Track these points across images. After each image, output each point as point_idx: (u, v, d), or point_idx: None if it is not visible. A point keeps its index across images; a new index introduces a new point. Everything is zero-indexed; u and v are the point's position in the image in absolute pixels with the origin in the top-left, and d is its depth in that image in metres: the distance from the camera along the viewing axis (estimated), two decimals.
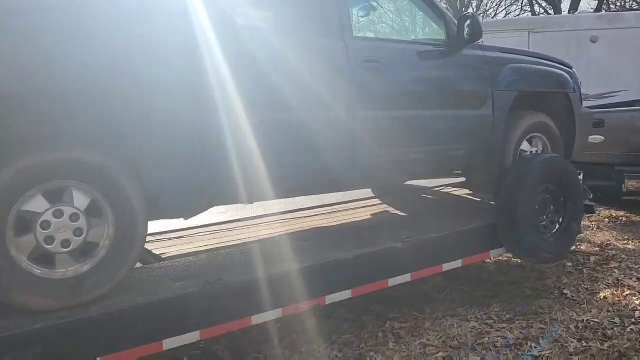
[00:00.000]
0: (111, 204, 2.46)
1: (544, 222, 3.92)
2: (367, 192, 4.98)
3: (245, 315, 2.74)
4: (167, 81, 2.48)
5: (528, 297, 4.04)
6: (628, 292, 4.01)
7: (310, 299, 2.98)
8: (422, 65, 3.48)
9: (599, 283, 4.26)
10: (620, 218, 6.47)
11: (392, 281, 3.32)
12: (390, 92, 3.27)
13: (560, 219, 3.99)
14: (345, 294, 3.12)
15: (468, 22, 3.50)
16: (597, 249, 5.25)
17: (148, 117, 2.45)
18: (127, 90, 2.39)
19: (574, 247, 5.07)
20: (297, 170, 2.98)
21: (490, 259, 4.37)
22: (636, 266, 4.64)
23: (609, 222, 6.33)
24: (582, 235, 5.70)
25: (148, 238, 3.60)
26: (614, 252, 5.10)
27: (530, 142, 4.23)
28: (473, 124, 3.72)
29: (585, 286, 4.22)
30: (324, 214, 4.33)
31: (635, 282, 4.27)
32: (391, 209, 4.48)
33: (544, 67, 4.19)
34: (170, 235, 3.67)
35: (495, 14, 22.68)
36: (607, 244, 5.41)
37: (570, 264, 4.78)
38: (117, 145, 2.46)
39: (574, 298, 4.00)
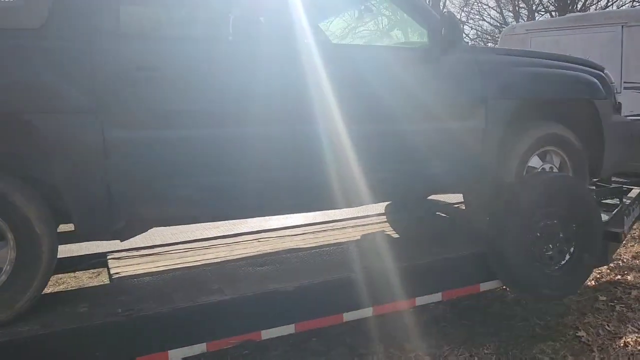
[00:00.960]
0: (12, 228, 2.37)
1: (550, 253, 3.35)
2: (370, 208, 4.59)
3: (156, 351, 2.53)
4: None
5: (534, 337, 3.48)
6: None
7: (243, 334, 2.72)
8: (390, 73, 3.08)
9: (628, 325, 3.59)
10: None
11: (349, 316, 2.96)
12: (342, 105, 2.91)
13: (572, 249, 3.39)
14: (287, 329, 2.82)
15: (446, 22, 3.06)
16: None
17: None
18: None
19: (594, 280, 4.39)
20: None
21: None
22: None
23: None
24: (636, 262, 4.93)
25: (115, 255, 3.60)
26: None
27: (543, 158, 3.65)
28: (457, 138, 3.25)
29: (610, 328, 3.57)
30: (309, 233, 4.03)
31: None
32: (388, 230, 4.08)
33: (558, 71, 3.60)
34: (133, 254, 3.56)
35: None
36: None
37: (604, 298, 4.11)
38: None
39: (588, 342, 3.39)
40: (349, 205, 3.25)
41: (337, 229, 4.14)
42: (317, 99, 2.82)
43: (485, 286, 3.35)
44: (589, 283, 4.50)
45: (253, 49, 2.79)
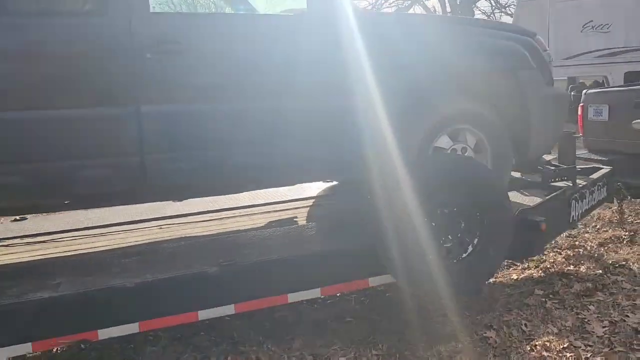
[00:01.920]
0: None
1: (449, 245, 2.98)
2: (306, 191, 4.28)
3: None
4: None
5: (440, 336, 3.14)
6: (569, 344, 2.93)
7: (75, 334, 2.51)
8: (251, 45, 2.74)
9: (549, 325, 3.19)
10: None
11: (205, 314, 2.71)
12: (190, 82, 2.61)
13: (475, 241, 3.01)
14: (130, 329, 2.60)
15: None
16: (599, 271, 4.02)
17: None
18: None
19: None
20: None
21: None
22: (627, 303, 3.43)
23: None
24: (600, 251, 4.46)
25: None
26: (619, 278, 3.86)
27: (455, 137, 3.25)
28: (333, 118, 2.90)
29: (527, 328, 3.18)
30: (216, 219, 3.77)
31: (603, 328, 3.13)
32: (299, 217, 3.77)
33: (471, 38, 3.17)
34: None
35: None
36: (621, 264, 4.13)
37: (540, 292, 3.70)
38: None
39: (494, 344, 3.03)
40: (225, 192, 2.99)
41: (248, 214, 3.87)
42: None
43: (375, 281, 3.03)
44: (535, 273, 4.09)
45: None
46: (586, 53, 13.37)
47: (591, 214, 5.36)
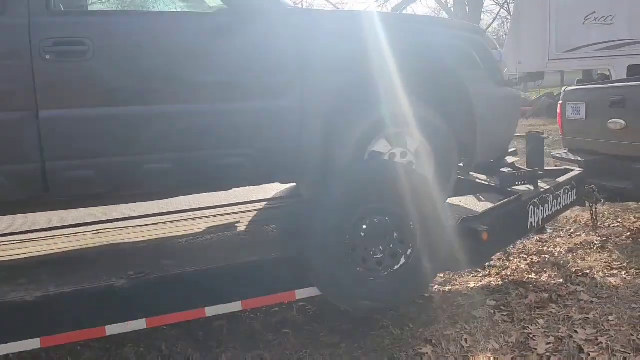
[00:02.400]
0: None
1: (380, 256, 2.81)
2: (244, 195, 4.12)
3: None
4: None
5: (374, 351, 2.97)
6: None
7: None
8: (164, 45, 2.58)
9: (490, 340, 3.01)
10: None
11: (113, 329, 2.57)
12: (95, 85, 2.46)
13: (409, 252, 2.83)
14: (31, 344, 2.47)
15: None
16: (560, 280, 3.82)
17: None
18: None
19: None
20: None
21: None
22: (579, 317, 3.24)
23: (627, 238, 4.66)
24: (568, 257, 4.26)
25: None
26: (579, 288, 3.66)
27: (394, 140, 3.06)
28: (262, 120, 2.73)
29: (467, 343, 3.00)
30: (160, 223, 3.62)
31: (547, 345, 2.94)
32: (242, 222, 3.62)
33: (405, 36, 2.97)
34: None
35: None
36: (584, 273, 3.93)
37: (492, 302, 3.52)
38: None
39: None
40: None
41: (194, 218, 3.72)
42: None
43: (302, 293, 2.86)
44: (494, 282, 3.91)
45: None
46: (588, 45, 13.02)
47: (567, 217, 5.17)
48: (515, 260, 4.30)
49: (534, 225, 3.68)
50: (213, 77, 2.62)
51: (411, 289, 2.85)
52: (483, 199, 3.71)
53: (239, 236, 3.31)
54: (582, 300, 3.45)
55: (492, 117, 3.15)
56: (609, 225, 4.99)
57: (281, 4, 2.77)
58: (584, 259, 4.20)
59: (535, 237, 4.70)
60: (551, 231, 4.86)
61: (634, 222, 5.04)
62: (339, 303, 2.84)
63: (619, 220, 5.15)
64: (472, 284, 3.89)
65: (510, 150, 4.41)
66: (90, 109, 2.47)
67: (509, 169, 3.95)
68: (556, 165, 5.28)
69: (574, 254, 4.33)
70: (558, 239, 4.74)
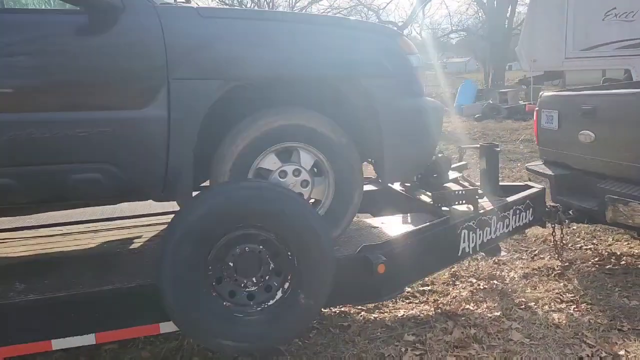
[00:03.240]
0: None
1: (252, 290, 2.47)
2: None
3: None
4: None
5: None
6: None
7: None
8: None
9: None
10: (611, 260, 4.25)
11: None
12: None
13: (286, 285, 2.49)
14: None
15: None
16: (498, 313, 3.40)
17: None
18: None
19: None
20: None
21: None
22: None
23: (593, 264, 4.18)
24: (519, 285, 3.84)
25: None
26: (514, 324, 3.24)
27: (286, 157, 2.71)
28: (122, 132, 2.42)
29: None
30: (70, 233, 3.37)
31: None
32: (145, 236, 3.33)
33: (292, 37, 2.60)
34: None
35: None
36: (528, 305, 3.50)
37: (412, 337, 3.14)
38: None
39: None
40: None
41: (94, 230, 3.45)
42: None
43: (167, 327, 2.55)
44: (426, 311, 3.52)
45: None
46: (607, 44, 12.24)
47: (536, 236, 4.73)
48: (460, 285, 3.90)
49: (468, 251, 3.29)
50: (54, 82, 2.32)
51: (287, 329, 2.50)
52: (410, 220, 3.34)
53: (125, 255, 3.02)
54: (512, 340, 3.04)
55: (402, 132, 2.77)
56: (580, 247, 4.52)
57: (153, 2, 2.44)
58: (536, 288, 3.76)
59: (493, 259, 4.27)
60: (507, 253, 4.41)
61: (609, 245, 4.56)
62: (198, 342, 2.52)
63: (594, 241, 4.66)
64: (401, 312, 3.51)
65: (459, 164, 4.01)
66: None
67: (451, 186, 3.57)
68: (529, 179, 4.84)
69: (527, 281, 3.89)
70: (518, 262, 4.30)
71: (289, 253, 2.46)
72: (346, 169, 2.75)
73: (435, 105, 2.91)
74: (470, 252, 3.32)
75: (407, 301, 3.70)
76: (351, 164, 2.75)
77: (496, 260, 4.27)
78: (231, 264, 2.44)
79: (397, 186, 3.96)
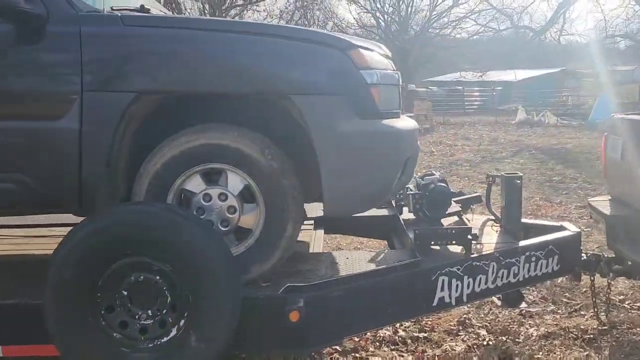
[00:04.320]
0: None
1: (146, 323, 2.26)
2: None
3: None
4: None
5: None
6: None
7: None
8: None
9: None
10: None
11: None
12: None
13: (182, 323, 2.24)
14: None
15: None
16: None
17: None
18: None
19: None
20: None
21: None
22: None
23: None
24: (532, 348, 3.21)
25: None
26: None
27: (213, 179, 2.45)
28: (34, 144, 2.34)
29: None
30: None
31: None
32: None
33: (227, 50, 2.33)
34: None
35: None
36: None
37: None
38: None
39: None
40: None
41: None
42: None
43: None
44: None
45: None
46: None
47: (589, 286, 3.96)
48: (463, 336, 3.34)
49: (449, 301, 2.77)
50: None
51: None
52: (381, 258, 2.91)
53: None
54: None
55: (344, 158, 2.37)
56: (629, 309, 3.66)
57: (67, 8, 2.34)
58: (550, 354, 3.09)
59: (520, 309, 3.61)
60: (538, 304, 3.71)
61: None
62: None
63: None
64: None
65: (470, 196, 3.46)
66: None
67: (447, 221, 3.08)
68: (590, 216, 4.07)
69: (546, 343, 3.22)
70: (548, 316, 3.60)
71: (184, 288, 2.22)
72: (278, 197, 2.42)
73: (391, 130, 2.46)
74: (454, 302, 2.79)
75: (392, 347, 3.25)
76: (284, 191, 2.42)
77: (522, 312, 3.62)
78: (125, 293, 2.25)
79: (406, 215, 3.52)
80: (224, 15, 20.25)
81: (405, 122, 2.65)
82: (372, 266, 2.71)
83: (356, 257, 2.91)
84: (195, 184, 2.45)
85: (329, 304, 2.43)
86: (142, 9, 2.73)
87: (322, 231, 3.51)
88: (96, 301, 2.23)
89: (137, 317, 2.26)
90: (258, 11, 24.09)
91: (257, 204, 2.46)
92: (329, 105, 2.35)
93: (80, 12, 2.38)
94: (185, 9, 20.84)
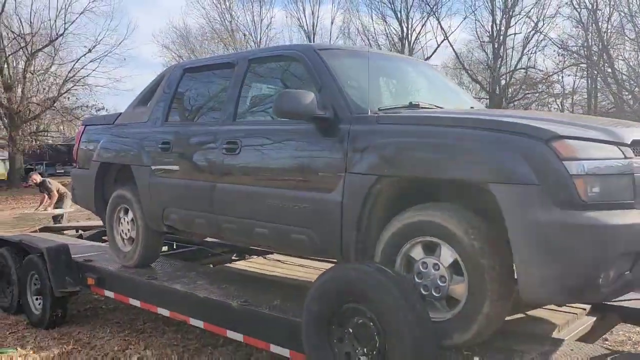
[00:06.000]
0: None
1: (360, 358, 2.82)
2: None
3: None
4: None
5: None
6: None
7: None
8: (269, 145, 3.58)
9: None
10: None
11: None
12: (241, 170, 3.75)
13: None
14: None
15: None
16: None
17: None
18: None
19: None
20: None
21: None
22: None
23: None
24: None
25: None
26: None
27: (431, 250, 2.84)
28: (317, 209, 3.27)
29: None
30: None
31: None
32: None
33: (455, 143, 2.71)
34: None
35: None
36: None
37: None
38: None
39: None
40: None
41: None
42: None
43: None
44: None
45: None
46: None
47: None
48: None
49: None
50: (288, 168, 3.47)
51: None
52: None
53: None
54: None
55: (538, 247, 2.40)
56: None
57: (347, 112, 3.21)
58: None
59: None
60: None
61: None
62: None
63: None
64: None
65: None
66: None
67: None
68: None
69: None
70: None
71: (383, 338, 2.71)
72: (477, 274, 2.63)
73: (603, 223, 2.32)
74: None
75: None
76: (482, 270, 2.61)
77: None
78: (351, 330, 2.91)
79: None
80: None
81: (630, 216, 2.40)
82: None
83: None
84: (417, 252, 2.91)
85: None
86: (410, 105, 3.38)
87: (594, 319, 3.32)
88: (332, 331, 2.97)
89: (357, 350, 2.89)
90: None
91: (464, 277, 2.73)
92: (524, 194, 2.44)
93: (353, 114, 3.21)
94: None
